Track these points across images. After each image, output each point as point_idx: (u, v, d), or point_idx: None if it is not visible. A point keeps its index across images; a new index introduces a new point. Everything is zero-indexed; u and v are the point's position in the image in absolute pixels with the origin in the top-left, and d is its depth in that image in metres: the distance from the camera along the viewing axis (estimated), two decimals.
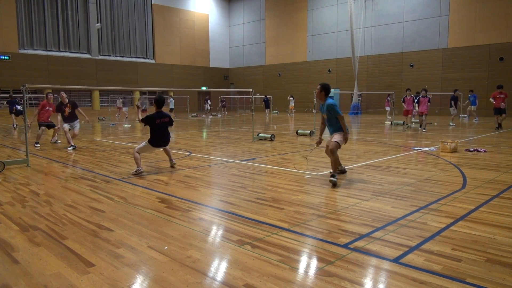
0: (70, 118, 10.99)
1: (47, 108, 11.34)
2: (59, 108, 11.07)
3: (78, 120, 11.22)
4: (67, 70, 30.32)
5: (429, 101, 15.04)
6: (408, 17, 28.28)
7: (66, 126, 10.94)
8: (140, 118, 7.09)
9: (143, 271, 2.94)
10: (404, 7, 28.42)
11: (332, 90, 31.82)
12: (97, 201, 4.98)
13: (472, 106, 20.83)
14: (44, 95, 11.63)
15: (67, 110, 10.96)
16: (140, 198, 5.10)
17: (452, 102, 18.53)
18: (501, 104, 14.83)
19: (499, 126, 15.06)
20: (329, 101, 6.13)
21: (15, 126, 17.94)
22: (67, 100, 11.06)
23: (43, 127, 11.33)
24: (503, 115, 15.02)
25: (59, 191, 5.55)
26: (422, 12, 27.54)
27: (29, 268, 2.98)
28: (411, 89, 17.05)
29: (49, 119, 11.47)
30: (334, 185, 5.65)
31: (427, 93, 15.13)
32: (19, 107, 17.93)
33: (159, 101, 7.04)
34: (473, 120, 20.76)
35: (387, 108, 24.76)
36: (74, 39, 31.25)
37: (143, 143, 7.08)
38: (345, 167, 6.84)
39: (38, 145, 11.19)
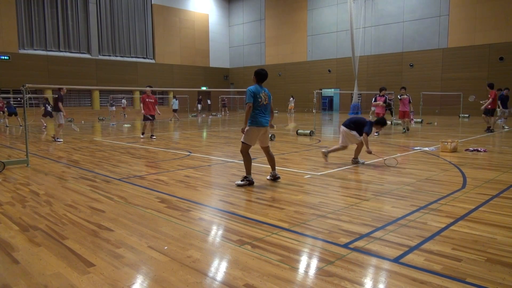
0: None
1: (147, 100, 12.51)
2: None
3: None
4: (67, 70, 30.33)
5: (384, 102, 13.56)
6: (408, 17, 28.29)
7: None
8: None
9: (143, 271, 2.94)
10: (404, 7, 28.43)
11: (332, 90, 31.60)
12: (97, 201, 4.98)
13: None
14: (145, 89, 12.97)
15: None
16: (140, 198, 5.10)
17: (499, 102, 16.81)
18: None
19: (490, 128, 14.44)
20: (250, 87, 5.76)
21: (43, 127, 17.91)
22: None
23: (148, 121, 12.71)
24: (490, 116, 14.34)
25: (59, 191, 5.55)
26: (422, 12, 27.54)
27: (29, 268, 2.98)
28: (406, 87, 15.45)
29: (155, 112, 12.80)
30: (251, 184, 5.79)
31: (382, 92, 13.65)
32: (48, 108, 17.27)
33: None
34: (498, 120, 20.09)
35: (373, 109, 24.81)
36: (74, 39, 31.26)
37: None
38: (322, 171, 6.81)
39: (143, 136, 12.68)
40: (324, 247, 3.35)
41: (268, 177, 6.20)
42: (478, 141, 11.39)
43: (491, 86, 14.42)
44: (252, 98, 5.63)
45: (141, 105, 12.69)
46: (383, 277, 2.80)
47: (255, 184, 6.08)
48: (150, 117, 12.74)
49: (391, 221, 4.01)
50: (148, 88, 12.66)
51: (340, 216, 4.21)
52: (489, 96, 14.39)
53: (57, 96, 12.66)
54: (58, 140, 12.30)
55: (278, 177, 6.16)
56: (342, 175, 6.58)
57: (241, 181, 5.84)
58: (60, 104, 12.42)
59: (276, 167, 6.21)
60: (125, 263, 3.05)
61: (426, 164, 7.59)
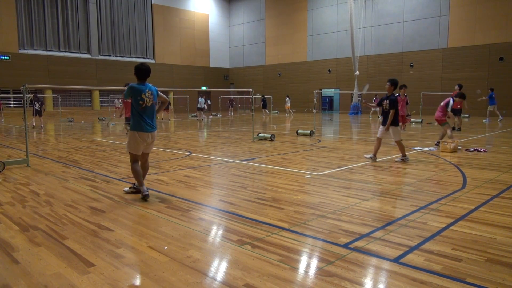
0: None
1: None
2: None
3: None
4: (67, 70, 30.32)
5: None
6: (408, 17, 28.29)
7: None
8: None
9: (143, 271, 2.94)
10: (404, 7, 28.43)
11: (332, 90, 31.45)
12: (97, 201, 4.97)
13: (490, 106, 19.62)
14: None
15: None
16: (140, 198, 5.09)
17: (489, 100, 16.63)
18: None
19: (456, 128, 14.30)
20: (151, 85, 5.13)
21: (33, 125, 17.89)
22: None
23: None
24: (459, 116, 14.22)
25: (59, 191, 5.55)
26: (422, 12, 27.55)
27: (29, 268, 2.98)
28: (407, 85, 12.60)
29: None
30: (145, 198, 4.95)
31: (403, 89, 11.88)
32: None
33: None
34: (497, 120, 19.82)
35: (374, 108, 24.84)
36: (74, 39, 31.26)
37: None
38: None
39: None
40: (324, 247, 3.35)
41: (127, 189, 5.36)
42: (478, 141, 11.39)
43: (461, 86, 14.45)
44: (128, 96, 4.93)
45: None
46: (383, 277, 2.80)
47: (254, 184, 6.07)
48: None
49: (391, 221, 4.01)
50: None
51: (340, 216, 4.21)
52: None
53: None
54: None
55: (144, 194, 5.00)
56: (342, 175, 6.58)
57: (129, 188, 5.34)
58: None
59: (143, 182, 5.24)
60: (125, 263, 3.05)
61: (426, 164, 7.59)
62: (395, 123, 7.70)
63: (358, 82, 29.83)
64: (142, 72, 4.97)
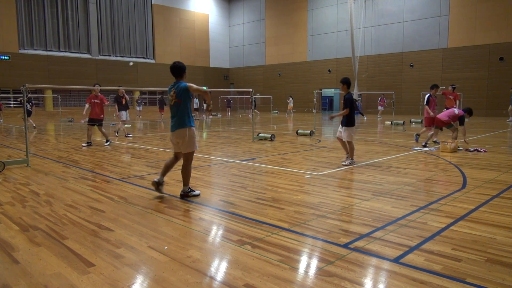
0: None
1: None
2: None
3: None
4: (67, 70, 30.30)
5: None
6: (408, 17, 28.28)
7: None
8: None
9: (143, 271, 2.94)
10: (404, 7, 28.42)
11: (332, 90, 31.56)
12: (97, 201, 4.98)
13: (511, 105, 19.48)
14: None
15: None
16: (140, 198, 5.10)
17: None
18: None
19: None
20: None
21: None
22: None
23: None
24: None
25: (59, 191, 5.55)
26: (422, 12, 27.54)
27: (29, 268, 2.98)
28: (439, 85, 11.28)
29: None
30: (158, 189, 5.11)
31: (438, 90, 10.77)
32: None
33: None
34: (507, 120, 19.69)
35: (380, 108, 24.85)
36: (74, 39, 31.24)
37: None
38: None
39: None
40: (324, 247, 3.35)
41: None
42: (478, 141, 11.39)
43: (454, 87, 14.31)
44: None
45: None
46: (383, 277, 2.80)
47: (254, 184, 6.07)
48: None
49: (391, 221, 4.01)
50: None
51: (340, 216, 4.21)
52: (450, 97, 14.12)
53: (115, 96, 13.72)
54: (129, 135, 13.75)
55: (187, 194, 5.13)
56: (342, 175, 6.58)
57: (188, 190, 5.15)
58: (116, 105, 13.55)
59: (188, 184, 5.17)
60: (125, 263, 3.05)
61: (426, 164, 7.59)
62: (351, 123, 7.33)
63: (358, 83, 29.84)
64: (171, 70, 5.02)
